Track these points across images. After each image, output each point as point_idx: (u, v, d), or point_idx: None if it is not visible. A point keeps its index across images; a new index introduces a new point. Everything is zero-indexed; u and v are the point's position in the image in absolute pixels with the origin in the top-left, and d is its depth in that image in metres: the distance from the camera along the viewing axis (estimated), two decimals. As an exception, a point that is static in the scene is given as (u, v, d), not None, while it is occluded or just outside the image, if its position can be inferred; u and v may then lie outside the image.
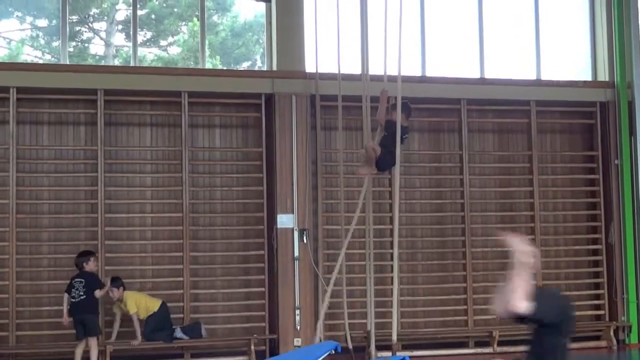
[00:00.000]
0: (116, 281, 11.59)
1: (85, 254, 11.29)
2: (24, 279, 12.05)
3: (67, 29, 12.72)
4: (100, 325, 11.42)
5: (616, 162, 13.79)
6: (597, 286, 13.96)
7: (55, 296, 12.04)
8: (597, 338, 13.49)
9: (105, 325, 11.85)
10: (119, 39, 13.73)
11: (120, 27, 13.59)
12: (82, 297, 10.99)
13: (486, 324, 13.39)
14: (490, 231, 13.74)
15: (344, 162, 12.17)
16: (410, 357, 10.25)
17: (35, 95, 12.20)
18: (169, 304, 12.32)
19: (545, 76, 14.16)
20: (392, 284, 12.92)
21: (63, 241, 12.22)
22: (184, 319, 12.25)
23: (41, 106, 12.38)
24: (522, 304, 4.32)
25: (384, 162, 10.23)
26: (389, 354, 11.25)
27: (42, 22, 13.53)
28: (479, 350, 12.97)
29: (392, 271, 12.92)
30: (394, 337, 10.31)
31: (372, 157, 9.99)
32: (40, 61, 13.38)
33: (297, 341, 12.19)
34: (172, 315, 12.20)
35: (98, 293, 11.05)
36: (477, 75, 13.86)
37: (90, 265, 11.17)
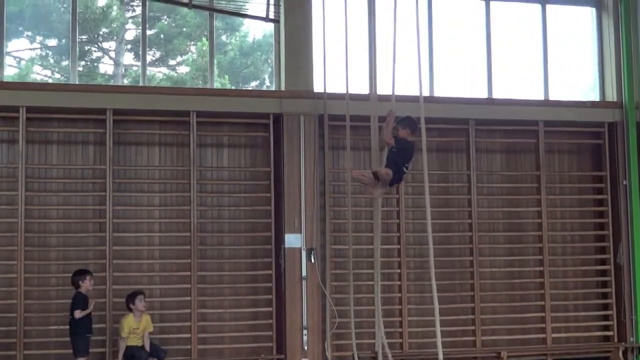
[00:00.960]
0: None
1: (82, 273, 11.29)
2: (32, 298, 12.06)
3: (77, 48, 12.78)
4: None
5: (624, 182, 13.78)
6: (605, 307, 13.91)
7: (62, 315, 12.03)
8: (606, 359, 13.44)
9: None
10: (128, 58, 13.79)
11: (129, 46, 13.66)
12: (69, 317, 11.08)
13: (494, 344, 13.36)
14: (498, 251, 13.74)
15: (352, 182, 12.16)
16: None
17: (45, 115, 12.25)
18: (176, 324, 12.34)
19: (553, 96, 14.18)
20: (400, 303, 12.96)
21: (71, 260, 12.23)
22: (191, 338, 12.24)
23: (50, 125, 12.43)
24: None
25: (395, 179, 10.09)
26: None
27: (52, 42, 13.59)
28: (487, 370, 12.94)
29: (400, 291, 12.96)
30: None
31: (387, 180, 9.92)
32: (50, 80, 13.44)
33: (305, 361, 12.17)
34: (179, 335, 12.21)
35: (78, 314, 11.04)
36: (485, 96, 13.88)
37: (85, 285, 11.17)
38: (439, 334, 8.63)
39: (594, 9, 14.54)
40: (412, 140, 10.15)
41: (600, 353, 13.66)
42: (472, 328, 13.30)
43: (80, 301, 11.11)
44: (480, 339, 13.26)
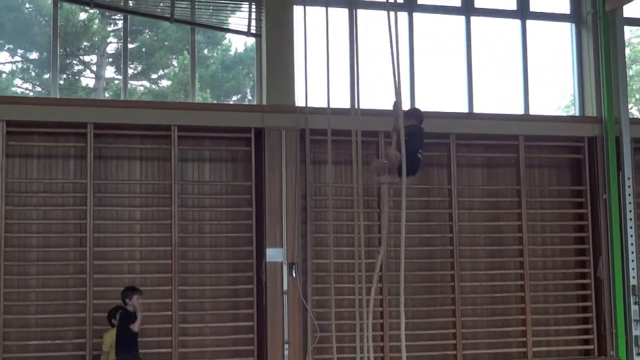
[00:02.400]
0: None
1: (131, 290, 11.23)
2: (11, 313, 11.98)
3: (58, 61, 12.76)
4: None
5: (604, 196, 13.86)
6: (585, 321, 13.97)
7: (42, 330, 12.01)
8: (586, 373, 13.52)
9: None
10: (109, 71, 13.78)
11: (110, 60, 13.65)
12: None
13: (475, 358, 13.39)
14: (479, 265, 13.78)
15: (334, 196, 12.20)
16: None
17: (25, 129, 12.20)
18: (157, 338, 12.30)
19: (533, 111, 14.27)
20: (381, 317, 12.96)
21: (51, 274, 12.17)
22: (172, 353, 12.19)
23: (31, 139, 12.38)
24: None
25: (411, 166, 9.85)
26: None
27: (33, 55, 13.57)
28: (468, 385, 12.96)
29: (381, 305, 12.97)
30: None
31: (395, 164, 9.74)
32: (31, 93, 13.41)
33: (286, 376, 12.14)
34: (160, 350, 12.19)
35: (135, 327, 11.01)
36: (465, 110, 13.95)
37: (133, 302, 11.10)
38: (404, 349, 8.54)
39: (573, 25, 14.66)
40: (419, 125, 10.02)
41: (581, 367, 13.74)
42: (453, 342, 13.32)
43: (125, 317, 11.05)
44: (461, 353, 13.28)
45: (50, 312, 12.08)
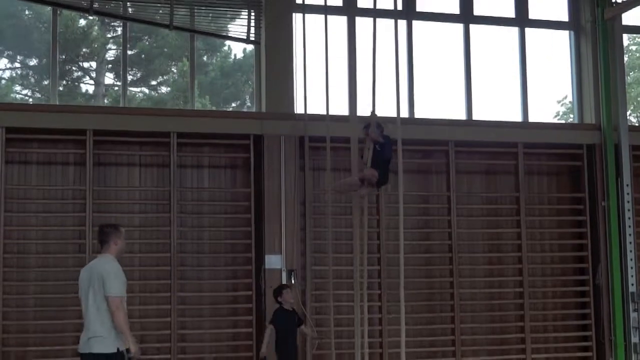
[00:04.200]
0: None
1: (280, 288, 11.23)
2: (10, 319, 11.98)
3: (57, 68, 12.78)
4: None
5: (603, 204, 13.87)
6: (584, 328, 13.97)
7: (41, 336, 12.01)
8: (585, 380, 13.51)
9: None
10: (108, 78, 13.81)
11: (110, 66, 13.67)
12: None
13: (474, 365, 13.39)
14: (478, 272, 13.78)
15: (333, 203, 12.20)
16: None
17: (25, 135, 12.21)
18: (156, 345, 12.29)
19: (532, 118, 14.29)
20: (380, 324, 12.96)
21: (50, 281, 12.18)
22: (171, 359, 12.18)
23: (30, 146, 12.39)
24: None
25: (383, 179, 10.11)
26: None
27: (33, 61, 13.59)
28: (467, 391, 12.96)
29: (380, 312, 12.97)
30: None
31: (373, 181, 9.97)
32: (30, 100, 13.43)
33: (284, 382, 12.10)
34: (159, 356, 12.20)
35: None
36: (464, 117, 13.97)
37: (285, 298, 11.06)
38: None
39: (572, 32, 14.69)
40: (386, 137, 10.15)
41: (580, 374, 13.73)
42: (452, 349, 13.32)
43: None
44: (460, 360, 13.28)
45: (49, 318, 12.08)
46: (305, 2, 12.38)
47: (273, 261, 12.45)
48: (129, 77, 13.42)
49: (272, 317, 11.03)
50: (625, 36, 14.72)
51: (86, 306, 7.94)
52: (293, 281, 12.42)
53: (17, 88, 13.53)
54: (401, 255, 8.85)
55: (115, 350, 7.76)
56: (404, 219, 13.23)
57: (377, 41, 9.93)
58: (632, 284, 13.64)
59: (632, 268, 13.66)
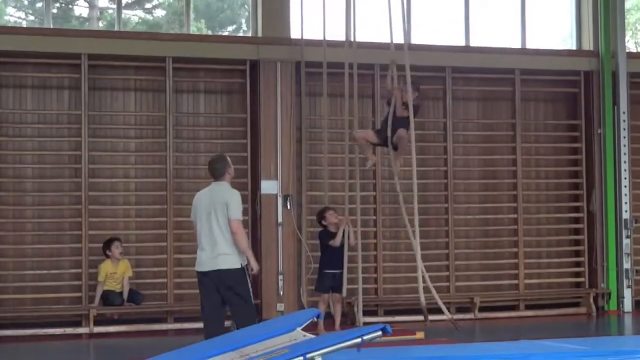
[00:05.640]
0: None
1: (323, 210, 11.25)
2: (6, 243, 12.06)
3: (51, -10, 12.62)
4: None
5: (599, 131, 13.87)
6: (577, 254, 14.10)
7: (37, 260, 12.10)
8: (577, 305, 13.68)
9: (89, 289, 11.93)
10: (103, 0, 13.65)
11: (104, -12, 13.50)
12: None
13: (468, 290, 13.53)
14: (473, 198, 13.85)
15: (329, 129, 12.19)
16: (391, 322, 10.40)
17: (18, 59, 12.13)
18: (152, 269, 12.41)
19: (530, 45, 14.18)
20: (375, 249, 13.07)
21: (46, 205, 12.23)
22: (167, 284, 12.30)
23: (24, 70, 12.32)
24: None
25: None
26: (373, 319, 11.41)
27: (26, -17, 13.42)
28: (460, 316, 13.08)
29: (375, 237, 13.06)
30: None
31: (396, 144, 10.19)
32: (24, 22, 13.28)
33: (280, 306, 12.27)
34: (155, 280, 12.35)
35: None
36: (462, 43, 13.86)
37: (329, 219, 11.06)
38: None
39: (572, -44, 14.50)
40: (417, 103, 10.32)
41: (572, 299, 13.88)
42: (446, 274, 13.44)
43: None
44: (454, 285, 13.41)
45: (46, 242, 12.16)
46: None
47: (269, 187, 12.49)
48: (124, 0, 13.26)
49: (319, 240, 11.17)
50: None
51: (208, 228, 8.56)
52: (289, 207, 12.47)
53: (10, 10, 13.37)
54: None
55: (240, 266, 8.49)
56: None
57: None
58: (626, 211, 13.72)
59: (626, 195, 13.73)
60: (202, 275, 8.69)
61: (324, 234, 11.11)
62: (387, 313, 12.72)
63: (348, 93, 11.02)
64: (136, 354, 9.51)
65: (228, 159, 8.97)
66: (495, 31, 14.03)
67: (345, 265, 10.83)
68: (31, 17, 13.38)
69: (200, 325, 11.81)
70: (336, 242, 10.84)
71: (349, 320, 11.88)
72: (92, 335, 11.54)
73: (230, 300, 8.55)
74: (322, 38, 11.48)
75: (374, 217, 13.11)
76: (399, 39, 10.33)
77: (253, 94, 12.67)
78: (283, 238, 12.45)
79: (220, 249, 8.50)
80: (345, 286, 10.75)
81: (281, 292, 12.38)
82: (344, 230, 10.86)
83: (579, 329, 12.41)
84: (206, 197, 8.73)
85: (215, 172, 8.82)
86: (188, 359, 6.22)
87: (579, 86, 14.07)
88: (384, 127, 10.22)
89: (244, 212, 12.50)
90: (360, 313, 11.05)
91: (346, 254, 10.87)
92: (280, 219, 12.45)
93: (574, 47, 14.38)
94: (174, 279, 12.37)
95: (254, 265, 8.75)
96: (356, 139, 10.55)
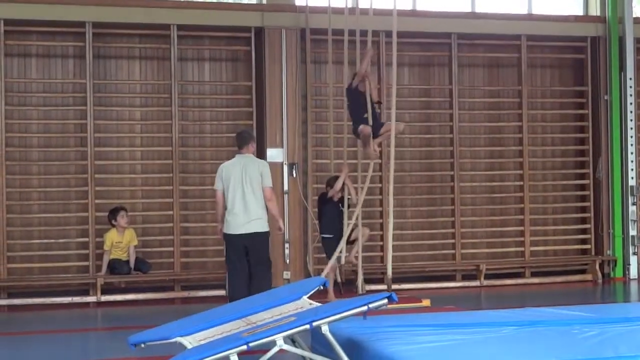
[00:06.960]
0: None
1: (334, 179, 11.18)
2: (14, 212, 12.09)
3: (55, -43, 12.54)
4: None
5: (605, 97, 13.82)
6: (583, 221, 14.10)
7: (45, 229, 12.14)
8: (583, 272, 13.70)
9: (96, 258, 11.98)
10: (107, -32, 13.54)
11: (108, -44, 13.37)
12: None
13: (473, 257, 13.57)
14: (479, 166, 13.84)
15: (334, 97, 12.16)
16: (397, 290, 10.43)
17: (23, 28, 12.09)
18: (159, 238, 12.45)
19: (537, 10, 14.10)
20: (381, 217, 13.08)
21: (52, 174, 12.25)
22: (174, 252, 12.34)
23: (29, 38, 12.29)
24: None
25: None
26: (378, 287, 11.43)
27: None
28: (466, 283, 13.17)
29: (381, 205, 13.07)
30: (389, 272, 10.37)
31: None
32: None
33: (287, 274, 12.30)
34: (162, 249, 12.39)
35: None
36: (468, 9, 13.78)
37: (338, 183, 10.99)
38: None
39: None
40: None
41: (578, 266, 13.90)
42: (452, 241, 13.46)
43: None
44: (459, 252, 13.44)
45: (53, 211, 12.20)
46: None
47: (274, 154, 12.47)
48: (128, -33, 13.17)
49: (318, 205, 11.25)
50: None
51: (241, 195, 9.45)
52: (295, 175, 12.47)
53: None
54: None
55: (268, 230, 9.62)
56: (405, 113, 13.29)
57: None
58: (632, 178, 13.70)
59: (632, 162, 13.70)
60: (235, 237, 9.47)
61: (323, 196, 11.06)
62: (394, 281, 12.69)
63: (347, 60, 10.99)
64: (143, 322, 9.54)
65: (254, 134, 9.95)
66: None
67: (346, 230, 10.76)
68: (35, -15, 13.28)
69: (206, 293, 12.02)
70: (336, 187, 10.79)
71: (354, 288, 11.90)
72: (99, 304, 11.62)
73: (257, 260, 9.50)
74: (327, 5, 11.42)
75: (380, 185, 13.10)
76: (399, 4, 10.26)
77: (258, 62, 12.63)
78: (289, 206, 12.46)
79: (254, 214, 9.44)
80: (337, 253, 10.65)
81: (287, 260, 12.41)
82: (344, 184, 10.80)
83: (584, 296, 12.45)
84: (237, 167, 9.57)
85: (240, 144, 9.73)
86: (195, 327, 6.25)
87: (585, 52, 13.99)
88: (362, 115, 10.45)
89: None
90: (360, 280, 11.02)
91: (346, 213, 10.84)
92: (286, 187, 12.46)
93: (580, 13, 14.29)
94: (181, 248, 12.41)
95: (282, 225, 9.99)
96: (365, 134, 10.48)
